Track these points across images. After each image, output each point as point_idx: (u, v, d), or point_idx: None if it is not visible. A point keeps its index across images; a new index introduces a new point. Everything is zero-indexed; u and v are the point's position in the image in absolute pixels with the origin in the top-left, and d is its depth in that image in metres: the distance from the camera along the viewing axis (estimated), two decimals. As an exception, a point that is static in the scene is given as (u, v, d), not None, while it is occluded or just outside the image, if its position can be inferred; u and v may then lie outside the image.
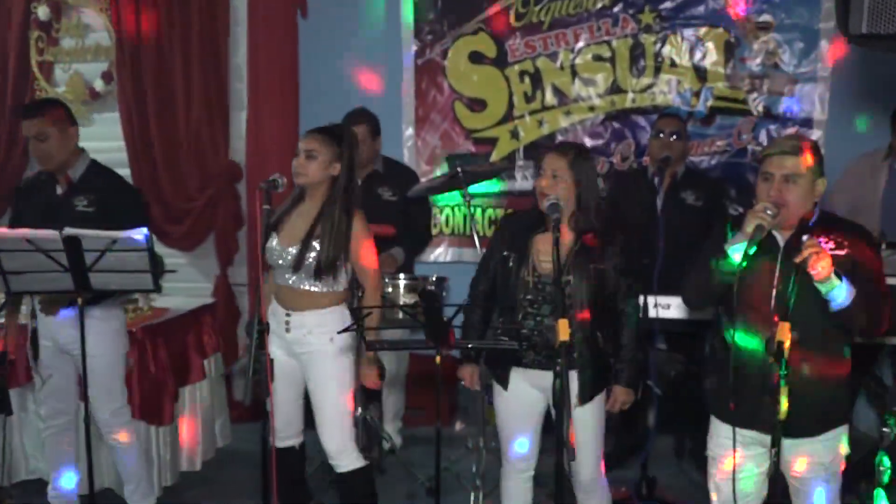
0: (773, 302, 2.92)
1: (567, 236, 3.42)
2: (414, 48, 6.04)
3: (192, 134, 6.01)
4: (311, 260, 3.65)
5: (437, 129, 6.08)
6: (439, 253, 6.10)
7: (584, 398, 3.45)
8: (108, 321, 4.07)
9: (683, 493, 4.64)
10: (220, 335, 5.37)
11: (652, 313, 4.23)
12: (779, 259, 2.95)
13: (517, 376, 3.53)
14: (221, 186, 6.01)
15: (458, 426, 5.74)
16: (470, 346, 3.40)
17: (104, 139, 6.19)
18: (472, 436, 4.94)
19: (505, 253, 3.51)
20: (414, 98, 6.09)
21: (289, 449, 3.97)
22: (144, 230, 3.48)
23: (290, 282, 3.74)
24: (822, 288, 2.79)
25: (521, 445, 3.59)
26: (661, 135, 4.86)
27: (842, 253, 2.88)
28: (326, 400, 3.78)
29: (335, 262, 3.67)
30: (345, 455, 3.83)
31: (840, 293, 2.79)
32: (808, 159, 2.93)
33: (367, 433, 4.93)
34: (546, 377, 3.42)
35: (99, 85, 6.22)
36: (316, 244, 3.66)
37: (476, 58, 5.98)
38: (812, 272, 2.74)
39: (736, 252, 2.93)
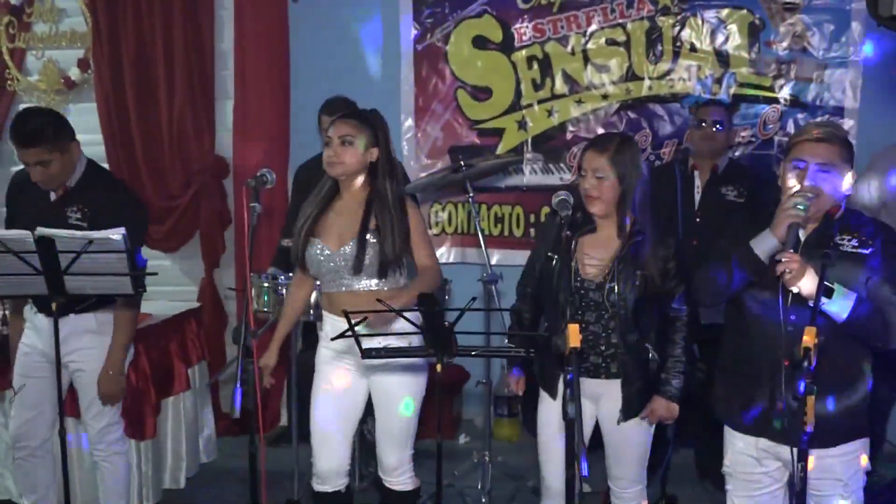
0: (790, 298, 2.88)
1: (612, 238, 3.44)
2: (413, 32, 6.05)
3: (175, 126, 6.02)
4: (370, 258, 3.57)
5: (438, 119, 6.09)
6: (441, 253, 6.08)
7: (629, 413, 3.47)
8: (105, 333, 4.07)
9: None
10: (205, 342, 5.38)
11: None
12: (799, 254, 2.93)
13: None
14: (206, 182, 6.02)
15: (463, 439, 5.75)
16: (473, 353, 3.39)
17: (80, 132, 6.03)
18: (477, 449, 4.95)
19: (549, 254, 3.51)
20: (413, 86, 6.09)
21: (335, 494, 3.86)
22: (122, 230, 3.49)
23: (350, 287, 3.65)
24: (812, 303, 2.74)
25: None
26: (704, 124, 4.85)
27: (866, 252, 2.88)
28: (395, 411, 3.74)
29: (401, 256, 3.62)
30: (401, 472, 3.82)
31: (835, 308, 2.80)
32: (842, 149, 2.92)
33: (364, 448, 4.95)
34: (592, 385, 3.46)
35: (74, 73, 6.24)
36: (373, 239, 3.58)
37: (480, 42, 5.98)
38: (792, 289, 2.76)
39: (761, 247, 2.91)
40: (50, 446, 4.23)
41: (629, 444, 3.54)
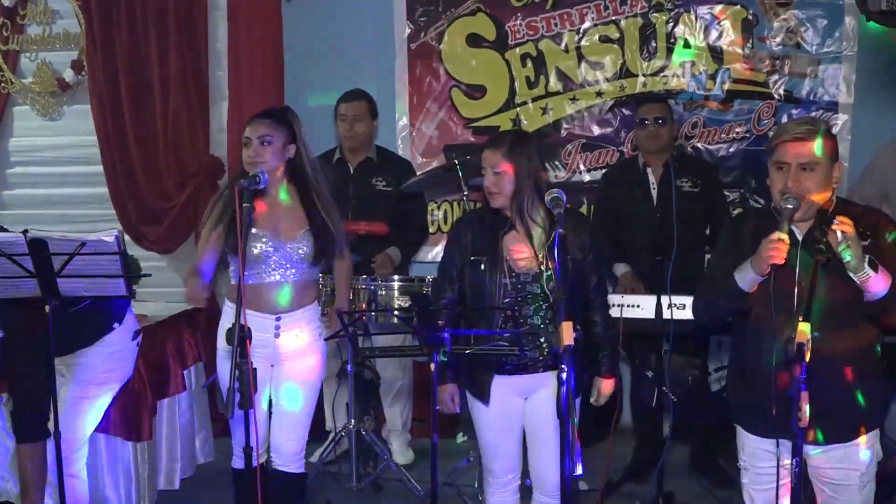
0: (795, 301, 2.90)
1: (535, 230, 3.48)
2: (407, 31, 6.04)
3: (170, 127, 6.02)
4: (303, 251, 3.76)
5: (433, 118, 6.08)
6: (437, 252, 6.07)
7: (573, 393, 3.44)
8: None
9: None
10: (201, 343, 5.36)
11: (666, 315, 4.23)
12: (798, 255, 2.94)
13: (498, 386, 3.53)
14: (202, 183, 6.01)
15: (460, 438, 5.74)
16: (468, 350, 3.38)
17: (75, 133, 6.24)
18: (474, 448, 4.93)
19: (473, 258, 3.52)
20: (408, 85, 6.09)
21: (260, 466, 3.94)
22: (115, 231, 3.48)
23: (292, 277, 3.79)
24: (857, 279, 2.79)
25: (500, 463, 3.65)
26: (646, 122, 4.89)
27: (864, 243, 2.87)
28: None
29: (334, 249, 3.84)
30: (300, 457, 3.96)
31: (878, 283, 2.80)
32: (824, 143, 2.92)
33: (360, 447, 4.95)
34: (527, 381, 3.51)
35: (68, 75, 6.24)
36: (316, 232, 3.77)
37: (474, 41, 5.98)
38: (846, 260, 2.75)
39: (743, 280, 2.97)
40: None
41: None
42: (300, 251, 3.77)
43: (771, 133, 5.50)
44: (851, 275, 2.80)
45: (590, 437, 5.10)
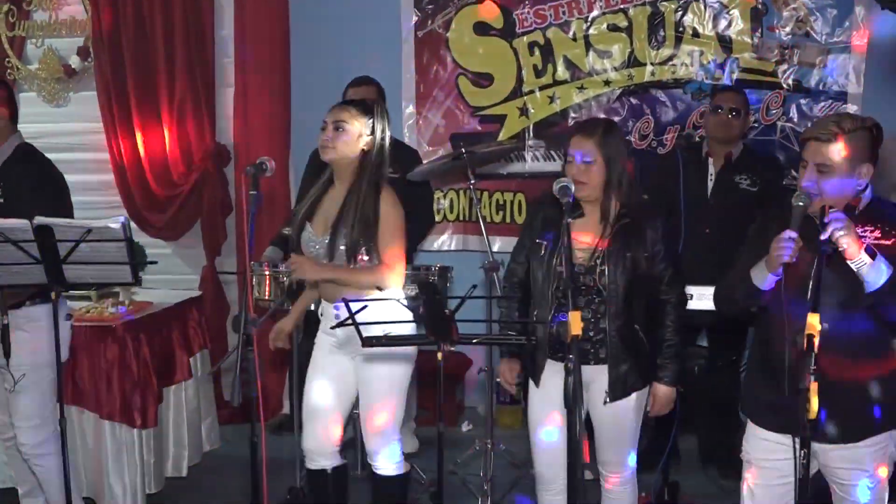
0: (809, 294, 2.84)
1: (598, 223, 3.41)
2: (414, 19, 6.01)
3: (176, 114, 6.00)
4: (342, 247, 3.58)
5: (439, 106, 6.06)
6: (443, 241, 6.08)
7: (617, 394, 3.43)
8: (30, 330, 3.96)
9: (709, 501, 4.62)
10: (207, 331, 5.36)
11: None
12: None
13: (551, 370, 3.48)
14: (208, 170, 6.00)
15: (466, 427, 5.74)
16: (474, 341, 3.37)
17: (81, 120, 6.22)
18: (479, 437, 4.94)
19: (538, 241, 3.49)
20: (414, 73, 6.06)
21: (320, 472, 3.88)
22: (121, 218, 3.47)
23: None
24: (854, 266, 2.77)
25: (549, 434, 3.53)
26: (720, 111, 4.80)
27: (888, 242, 2.86)
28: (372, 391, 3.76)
29: (363, 246, 3.59)
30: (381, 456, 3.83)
31: (874, 273, 2.77)
32: (845, 145, 2.87)
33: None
34: (584, 372, 3.32)
35: (74, 62, 6.22)
36: (343, 228, 3.58)
37: (481, 29, 5.95)
38: (840, 249, 2.74)
39: (758, 278, 2.96)
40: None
41: (618, 427, 3.50)
42: (342, 251, 3.60)
43: (779, 123, 5.54)
44: (849, 262, 2.78)
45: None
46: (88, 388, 4.55)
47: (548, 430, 3.55)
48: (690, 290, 4.04)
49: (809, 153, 2.91)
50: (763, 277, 2.94)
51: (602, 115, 5.77)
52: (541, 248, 3.46)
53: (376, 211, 3.59)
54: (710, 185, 4.78)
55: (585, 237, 3.41)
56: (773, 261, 2.85)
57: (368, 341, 3.22)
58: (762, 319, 3.14)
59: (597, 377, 3.44)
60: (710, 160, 4.81)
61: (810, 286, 2.83)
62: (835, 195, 2.91)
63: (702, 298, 3.92)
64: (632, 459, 3.59)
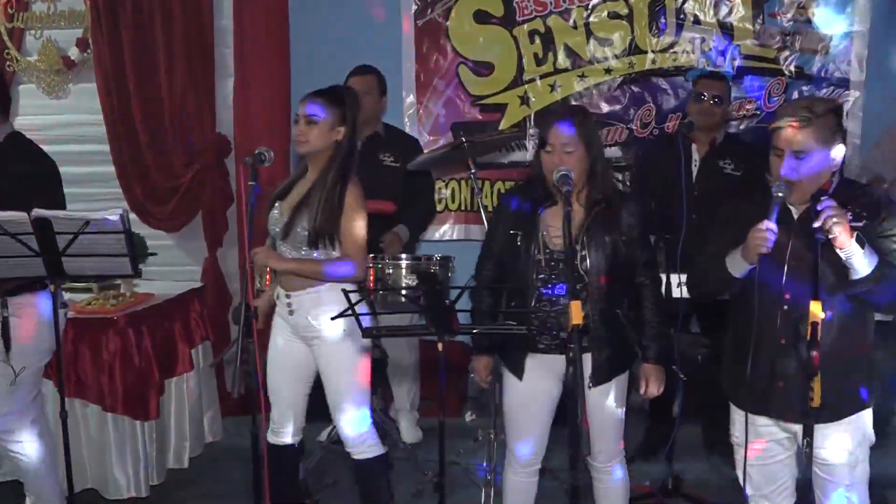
0: (784, 279, 2.92)
1: (577, 208, 3.39)
2: (413, 7, 5.98)
3: (176, 105, 5.96)
4: (301, 229, 3.64)
5: (440, 96, 6.04)
6: (445, 230, 6.07)
7: (601, 379, 3.43)
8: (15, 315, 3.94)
9: (713, 491, 4.61)
10: (209, 322, 5.36)
11: (676, 293, 4.19)
12: (791, 234, 2.93)
13: (532, 364, 3.50)
14: (208, 161, 5.96)
15: (469, 417, 5.73)
16: (475, 331, 3.36)
17: (80, 112, 6.19)
18: (482, 427, 4.93)
19: (511, 232, 3.47)
20: (415, 63, 6.03)
21: (286, 447, 3.95)
22: (120, 210, 3.45)
23: (283, 254, 3.76)
24: (843, 255, 2.77)
25: (526, 447, 3.61)
26: (703, 98, 4.81)
27: (860, 224, 2.85)
28: (341, 385, 3.82)
29: (327, 232, 3.64)
30: (362, 443, 3.87)
31: (861, 261, 2.78)
32: (819, 129, 2.88)
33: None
34: (562, 361, 3.37)
35: (74, 53, 6.18)
36: (306, 212, 3.64)
37: (482, 17, 5.92)
38: (831, 237, 2.73)
39: (734, 267, 2.97)
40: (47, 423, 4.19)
41: (604, 414, 3.47)
42: (301, 233, 3.69)
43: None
44: (838, 250, 2.77)
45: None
46: (91, 381, 4.55)
47: (532, 436, 3.59)
48: (673, 277, 4.06)
49: (784, 141, 2.90)
50: (739, 266, 2.95)
51: (603, 104, 5.77)
52: (516, 238, 3.45)
53: (341, 201, 3.65)
54: (695, 170, 4.82)
55: (559, 223, 3.36)
56: (751, 251, 2.86)
57: (368, 332, 3.22)
58: (738, 304, 3.14)
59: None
60: (694, 146, 4.84)
61: (784, 272, 2.91)
62: (813, 180, 2.90)
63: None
64: (620, 445, 3.61)
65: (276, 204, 3.78)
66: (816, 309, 2.68)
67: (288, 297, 3.75)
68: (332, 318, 3.48)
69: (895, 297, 2.90)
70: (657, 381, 3.53)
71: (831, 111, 2.94)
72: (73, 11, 6.17)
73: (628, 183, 5.40)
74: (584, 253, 3.36)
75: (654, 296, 3.52)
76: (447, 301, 3.15)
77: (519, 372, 3.52)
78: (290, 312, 3.76)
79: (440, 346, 3.21)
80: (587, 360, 3.38)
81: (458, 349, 5.66)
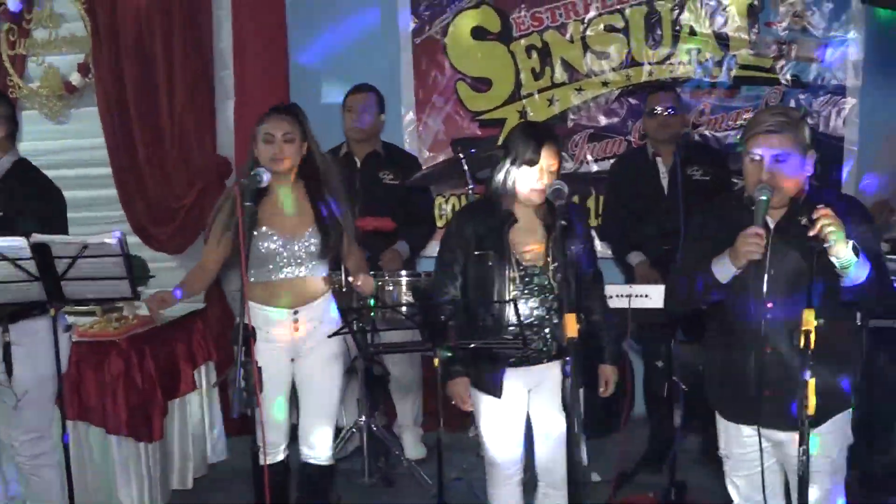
0: (765, 287, 2.93)
1: (535, 222, 3.49)
2: (412, 25, 6.02)
3: (177, 127, 6.00)
4: (311, 244, 3.80)
5: (439, 112, 6.07)
6: (446, 245, 6.07)
7: (578, 384, 3.44)
8: (23, 344, 3.94)
9: (717, 500, 4.59)
10: (212, 343, 5.36)
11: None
12: (769, 241, 2.92)
13: (510, 376, 3.52)
14: (209, 183, 5.99)
15: (472, 432, 5.72)
16: (472, 345, 3.37)
17: (82, 136, 6.25)
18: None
19: (477, 252, 3.49)
20: (413, 79, 6.07)
21: (281, 463, 4.01)
22: (118, 233, 3.47)
23: (296, 274, 3.81)
24: (838, 263, 2.77)
25: (510, 460, 3.63)
26: (657, 111, 4.88)
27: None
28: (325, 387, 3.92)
29: (339, 241, 3.88)
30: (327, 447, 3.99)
31: (858, 270, 2.79)
32: (796, 134, 2.91)
33: (371, 443, 4.94)
34: (533, 372, 3.51)
35: (75, 78, 6.24)
36: (324, 228, 3.79)
37: (479, 33, 5.96)
38: (826, 246, 2.73)
39: (721, 273, 2.96)
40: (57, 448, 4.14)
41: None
42: (310, 248, 3.80)
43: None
44: (833, 259, 2.77)
45: (601, 428, 5.10)
46: (94, 403, 4.55)
47: (511, 447, 3.61)
48: (659, 288, 4.09)
49: (762, 146, 2.92)
50: (727, 272, 2.95)
51: (601, 117, 5.80)
52: (486, 258, 3.46)
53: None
54: (665, 182, 4.90)
55: (529, 238, 3.48)
56: (740, 256, 2.87)
57: (366, 351, 3.24)
58: (715, 315, 3.16)
59: (547, 374, 3.50)
60: (659, 159, 4.94)
61: (765, 279, 2.92)
62: (792, 185, 2.93)
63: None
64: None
65: (264, 230, 3.75)
66: (810, 317, 2.68)
67: (296, 312, 3.80)
68: (329, 336, 3.50)
69: (887, 299, 2.93)
70: (613, 382, 3.64)
71: (803, 119, 2.99)
72: (75, 37, 6.24)
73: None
74: (555, 265, 3.42)
75: (602, 300, 3.69)
76: (442, 317, 3.16)
77: (497, 391, 3.51)
78: (296, 329, 3.79)
79: (437, 361, 3.22)
80: (555, 372, 3.43)
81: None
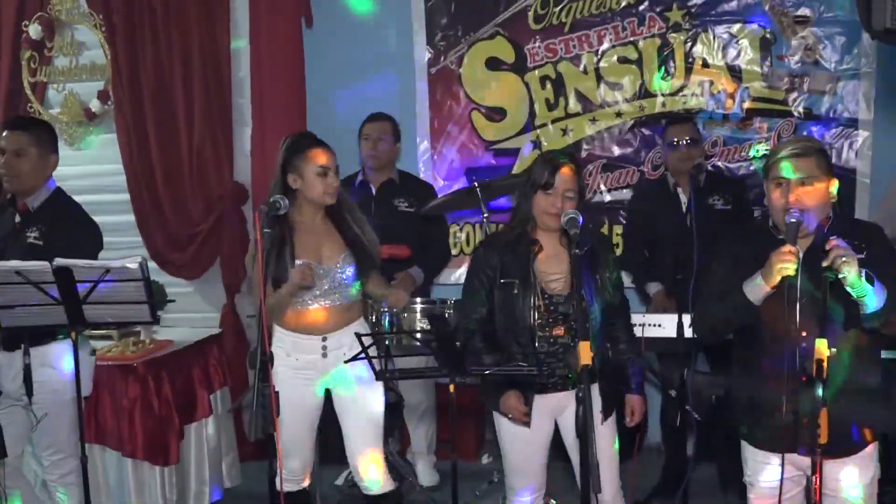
0: (798, 317, 2.89)
1: (559, 250, 3.54)
2: (427, 56, 6.09)
3: (195, 154, 6.08)
4: (347, 268, 3.88)
5: (454, 141, 6.12)
6: (460, 274, 6.09)
7: (608, 412, 3.56)
8: (47, 365, 4.02)
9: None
10: (227, 368, 5.40)
11: (688, 333, 4.23)
12: (799, 271, 2.92)
13: (536, 404, 3.54)
14: (227, 209, 6.07)
15: (486, 459, 5.74)
16: (487, 372, 3.40)
17: (102, 162, 6.31)
18: (498, 469, 4.93)
19: (503, 280, 3.53)
20: (428, 109, 6.13)
21: (302, 491, 4.01)
22: (139, 258, 3.53)
23: (337, 301, 3.86)
24: (854, 292, 2.80)
25: (529, 487, 3.66)
26: (677, 143, 4.93)
27: (861, 256, 2.88)
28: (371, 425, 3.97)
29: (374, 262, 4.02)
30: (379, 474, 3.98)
31: (872, 295, 2.81)
32: (820, 159, 2.97)
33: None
34: (560, 399, 3.54)
35: (95, 105, 6.32)
36: (357, 253, 3.89)
37: (494, 64, 6.02)
38: (841, 276, 2.76)
39: (753, 293, 2.98)
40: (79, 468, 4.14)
41: (609, 448, 3.56)
42: (345, 274, 3.87)
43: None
44: (849, 289, 2.81)
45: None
46: (111, 427, 4.61)
47: (532, 472, 3.65)
48: (686, 317, 4.12)
49: (787, 171, 2.96)
50: (759, 292, 2.97)
51: (615, 147, 5.84)
52: (512, 287, 3.50)
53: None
54: (687, 213, 4.90)
55: (554, 267, 3.52)
56: (774, 273, 2.89)
57: (381, 375, 3.27)
58: (745, 342, 3.17)
59: (572, 401, 3.47)
60: (679, 189, 4.99)
61: (798, 309, 2.86)
62: (818, 210, 2.98)
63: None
64: (617, 475, 3.67)
65: (303, 261, 3.78)
66: (822, 346, 2.71)
67: (324, 339, 3.84)
68: (346, 362, 3.54)
69: None
70: (641, 412, 3.66)
71: (823, 149, 3.04)
72: (95, 65, 6.33)
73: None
74: (582, 292, 3.40)
75: (629, 329, 3.71)
76: (458, 343, 3.20)
77: (529, 416, 3.54)
78: (325, 355, 3.82)
79: (452, 387, 3.25)
80: (595, 395, 3.44)
81: (472, 392, 5.69)
